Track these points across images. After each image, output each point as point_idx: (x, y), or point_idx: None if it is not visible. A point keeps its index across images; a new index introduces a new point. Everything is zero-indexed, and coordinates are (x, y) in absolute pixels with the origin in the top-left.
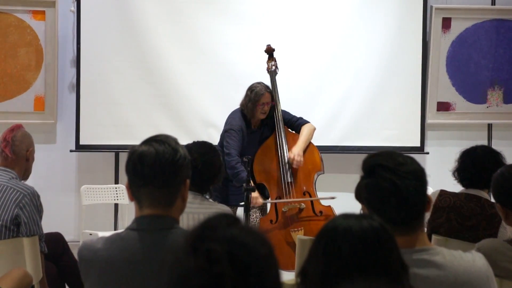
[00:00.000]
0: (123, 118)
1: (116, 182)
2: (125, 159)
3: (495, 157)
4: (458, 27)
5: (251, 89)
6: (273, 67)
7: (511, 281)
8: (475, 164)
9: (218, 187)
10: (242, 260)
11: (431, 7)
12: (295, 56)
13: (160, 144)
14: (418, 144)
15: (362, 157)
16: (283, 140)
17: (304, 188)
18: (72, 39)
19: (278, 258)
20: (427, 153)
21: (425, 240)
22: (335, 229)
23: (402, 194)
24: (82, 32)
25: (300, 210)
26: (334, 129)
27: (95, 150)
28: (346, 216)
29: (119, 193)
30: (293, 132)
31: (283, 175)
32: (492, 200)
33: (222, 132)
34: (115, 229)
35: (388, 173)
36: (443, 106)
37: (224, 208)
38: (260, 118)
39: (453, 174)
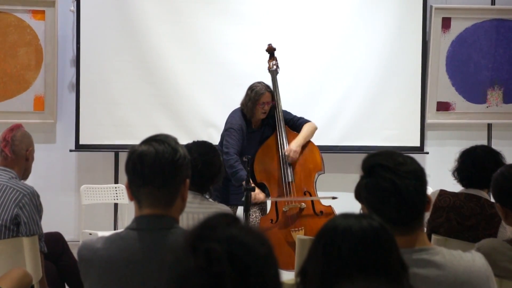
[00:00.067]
0: (123, 118)
1: (116, 182)
2: (125, 159)
3: (495, 157)
4: (458, 27)
5: (251, 89)
6: (274, 67)
7: (510, 281)
8: (475, 164)
9: (218, 187)
10: (242, 260)
11: (431, 7)
12: (295, 56)
13: (160, 143)
14: (418, 144)
15: (362, 157)
16: (284, 139)
17: (305, 187)
18: (72, 39)
19: (278, 258)
20: (427, 153)
21: (425, 240)
22: (335, 229)
23: (402, 194)
24: (82, 31)
25: (301, 209)
26: (334, 129)
27: (95, 150)
28: (345, 216)
29: (119, 193)
30: (294, 132)
31: (284, 174)
32: (492, 200)
33: (223, 131)
34: (115, 229)
35: (388, 173)
36: (443, 106)
37: (223, 208)
38: (260, 118)
39: (453, 174)
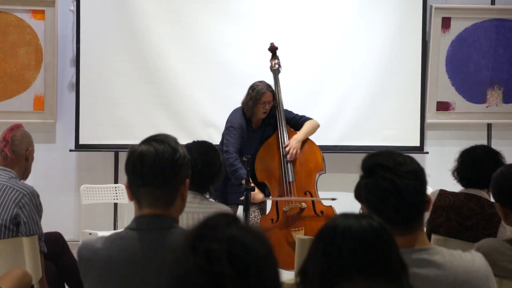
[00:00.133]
0: (123, 117)
1: (116, 181)
2: (125, 158)
3: (494, 157)
4: (457, 26)
5: (253, 88)
6: (276, 66)
7: (510, 281)
8: (475, 163)
9: (218, 187)
10: (242, 260)
11: (431, 6)
12: (295, 56)
13: (160, 143)
14: (417, 144)
15: (362, 156)
16: (285, 139)
17: (306, 187)
18: (72, 38)
19: (278, 258)
20: (427, 152)
21: (424, 239)
22: (335, 229)
23: (401, 194)
24: (81, 31)
25: (301, 209)
26: (334, 129)
27: (94, 149)
28: (345, 216)
29: (119, 193)
30: (296, 131)
31: (285, 174)
32: (492, 199)
33: (224, 130)
34: (115, 228)
35: (388, 173)
36: (443, 106)
37: (223, 208)
38: (261, 117)
39: (453, 173)
